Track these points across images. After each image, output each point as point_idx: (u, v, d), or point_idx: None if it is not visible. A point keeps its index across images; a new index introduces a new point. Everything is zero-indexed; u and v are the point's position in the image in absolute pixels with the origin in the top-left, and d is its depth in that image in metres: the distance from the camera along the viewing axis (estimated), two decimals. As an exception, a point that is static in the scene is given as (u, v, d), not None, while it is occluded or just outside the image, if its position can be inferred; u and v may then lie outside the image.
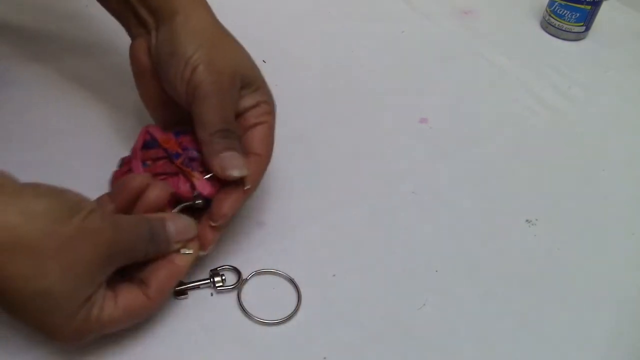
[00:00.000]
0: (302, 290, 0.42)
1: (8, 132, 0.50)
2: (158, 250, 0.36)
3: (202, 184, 0.40)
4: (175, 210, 0.39)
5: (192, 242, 0.38)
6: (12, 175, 0.32)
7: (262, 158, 0.41)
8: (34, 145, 0.49)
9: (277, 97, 0.44)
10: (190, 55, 0.39)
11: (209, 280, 0.41)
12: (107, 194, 0.38)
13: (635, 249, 0.48)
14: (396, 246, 0.46)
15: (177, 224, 0.37)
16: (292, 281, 0.43)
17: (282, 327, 0.41)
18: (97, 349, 0.37)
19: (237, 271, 0.42)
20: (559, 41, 0.69)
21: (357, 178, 0.51)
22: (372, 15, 0.70)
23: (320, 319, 0.41)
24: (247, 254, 0.44)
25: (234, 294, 0.42)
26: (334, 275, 0.44)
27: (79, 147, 0.50)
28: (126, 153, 0.50)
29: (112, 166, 0.48)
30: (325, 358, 0.39)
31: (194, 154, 0.40)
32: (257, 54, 0.43)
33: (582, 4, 0.66)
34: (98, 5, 0.47)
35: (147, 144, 0.42)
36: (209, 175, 0.40)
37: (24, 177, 0.47)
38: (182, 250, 0.37)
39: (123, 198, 0.37)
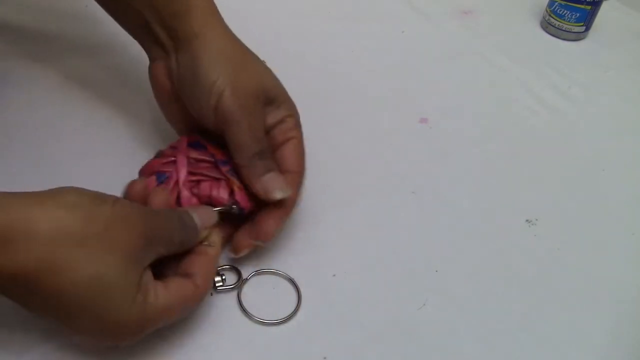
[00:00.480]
0: (302, 290, 0.42)
1: (8, 132, 0.50)
2: (188, 238, 0.37)
3: (243, 196, 0.41)
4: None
5: (214, 230, 0.39)
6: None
7: (297, 175, 0.43)
8: (35, 145, 0.49)
9: (277, 97, 0.43)
10: (214, 80, 0.40)
11: None
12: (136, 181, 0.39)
13: (635, 249, 0.48)
14: (396, 246, 0.46)
15: (199, 212, 0.38)
16: (292, 281, 0.43)
17: (282, 327, 0.41)
18: (97, 349, 0.37)
19: (237, 271, 0.42)
20: (559, 41, 0.69)
21: (357, 178, 0.51)
22: (372, 15, 0.70)
23: (320, 319, 0.41)
24: (247, 254, 0.44)
25: (234, 294, 0.42)
26: (334, 275, 0.44)
27: (79, 147, 0.50)
28: (127, 153, 0.50)
29: (114, 166, 0.48)
30: (325, 358, 0.39)
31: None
32: (257, 54, 0.44)
33: (582, 4, 0.66)
34: (98, 5, 0.47)
35: (190, 144, 0.43)
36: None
37: (25, 177, 0.47)
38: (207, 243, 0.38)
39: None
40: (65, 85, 0.55)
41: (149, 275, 0.34)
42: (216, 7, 0.43)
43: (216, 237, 0.38)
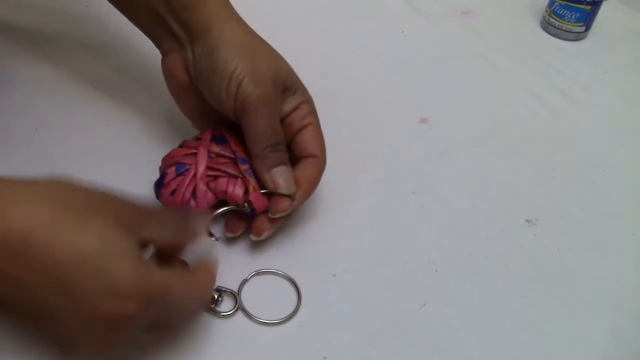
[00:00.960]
0: (302, 290, 0.42)
1: (8, 132, 0.50)
2: (186, 225, 0.36)
3: (257, 198, 0.41)
4: (222, 210, 0.42)
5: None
6: None
7: (319, 159, 0.43)
8: (35, 145, 0.49)
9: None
10: (232, 69, 0.40)
11: None
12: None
13: (635, 249, 0.48)
14: (396, 246, 0.46)
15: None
16: (292, 281, 0.43)
17: (282, 327, 0.41)
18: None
19: (234, 296, 0.42)
20: (559, 41, 0.69)
21: (357, 178, 0.51)
22: (372, 15, 0.70)
23: (320, 319, 0.41)
24: (247, 253, 0.44)
25: (234, 294, 0.42)
26: (334, 275, 0.44)
27: (79, 147, 0.50)
28: (128, 152, 0.50)
29: (114, 165, 0.48)
30: (325, 358, 0.39)
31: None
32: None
33: (582, 4, 0.66)
34: (98, 5, 0.47)
35: (214, 137, 0.43)
36: (265, 191, 0.42)
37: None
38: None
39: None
40: (65, 85, 0.55)
41: (143, 253, 0.33)
42: None
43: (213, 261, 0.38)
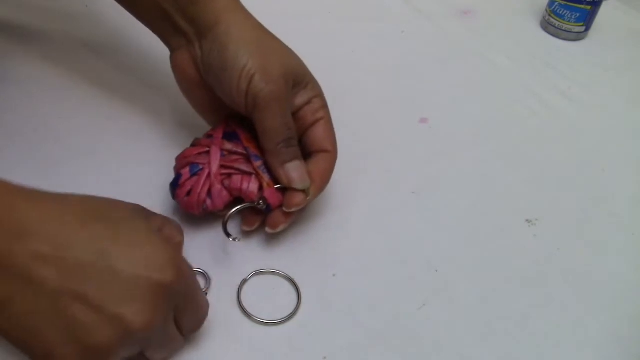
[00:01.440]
0: (302, 290, 0.42)
1: (8, 132, 0.50)
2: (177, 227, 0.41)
3: (272, 194, 0.42)
4: (238, 208, 0.42)
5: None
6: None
7: (331, 154, 0.44)
8: (35, 145, 0.49)
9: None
10: (243, 65, 0.40)
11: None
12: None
13: (635, 249, 0.48)
14: (396, 246, 0.46)
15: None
16: (292, 281, 0.43)
17: (282, 327, 0.41)
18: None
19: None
20: (559, 41, 0.69)
21: (357, 178, 0.51)
22: (372, 15, 0.70)
23: (320, 319, 0.41)
24: (247, 253, 0.44)
25: (234, 294, 0.42)
26: (334, 275, 0.44)
27: (80, 147, 0.50)
28: (128, 152, 0.50)
29: (114, 165, 0.48)
30: (325, 358, 0.39)
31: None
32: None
33: (582, 4, 0.66)
34: (98, 5, 0.47)
35: (226, 134, 0.43)
36: (279, 186, 0.42)
37: (25, 177, 0.47)
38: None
39: None
40: (65, 84, 0.55)
41: None
42: None
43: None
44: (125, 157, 0.49)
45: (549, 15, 0.69)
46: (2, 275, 0.29)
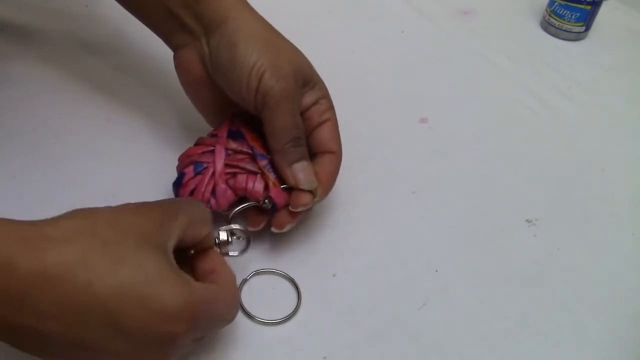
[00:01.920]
0: (302, 290, 0.42)
1: (8, 132, 0.50)
2: (202, 216, 0.36)
3: (277, 192, 0.41)
4: (243, 207, 0.42)
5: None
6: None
7: (336, 155, 0.43)
8: (35, 145, 0.49)
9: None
10: (253, 62, 0.39)
11: None
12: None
13: (635, 249, 0.48)
14: (396, 246, 0.46)
15: None
16: (292, 281, 0.43)
17: (282, 327, 0.41)
18: None
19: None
20: (559, 41, 0.69)
21: (357, 178, 0.51)
22: (372, 15, 0.70)
23: (320, 319, 0.41)
24: (247, 253, 0.44)
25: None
26: (334, 275, 0.44)
27: (80, 147, 0.50)
28: (128, 152, 0.50)
29: (114, 165, 0.48)
30: (325, 358, 0.39)
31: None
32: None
33: (582, 4, 0.66)
34: (99, 5, 0.47)
35: (230, 133, 0.43)
36: (285, 186, 0.41)
37: (25, 177, 0.47)
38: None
39: None
40: (65, 85, 0.55)
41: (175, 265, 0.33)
42: None
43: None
44: (125, 157, 0.49)
45: (549, 15, 0.69)
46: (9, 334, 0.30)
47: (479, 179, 0.53)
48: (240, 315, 0.41)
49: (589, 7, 0.66)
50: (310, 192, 0.41)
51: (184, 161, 0.43)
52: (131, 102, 0.54)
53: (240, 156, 0.42)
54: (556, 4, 0.68)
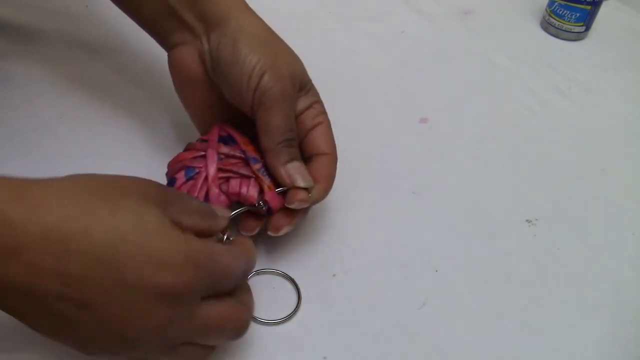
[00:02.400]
0: (302, 290, 0.42)
1: (8, 132, 0.50)
2: (209, 211, 0.35)
3: (273, 197, 0.41)
4: (239, 211, 0.41)
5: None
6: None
7: (331, 156, 0.43)
8: (35, 145, 0.49)
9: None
10: (255, 62, 0.40)
11: None
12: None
13: (635, 249, 0.48)
14: (396, 246, 0.46)
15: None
16: (292, 281, 0.43)
17: (282, 327, 0.41)
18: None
19: None
20: (559, 41, 0.69)
21: (357, 178, 0.51)
22: (372, 15, 0.70)
23: (320, 319, 0.41)
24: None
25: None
26: (334, 275, 0.44)
27: (80, 147, 0.50)
28: (128, 152, 0.50)
29: (114, 165, 0.48)
30: (325, 358, 0.39)
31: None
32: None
33: (582, 4, 0.66)
34: (98, 5, 0.47)
35: (221, 138, 0.43)
36: (279, 189, 0.41)
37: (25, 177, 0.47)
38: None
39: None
40: (65, 85, 0.55)
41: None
42: None
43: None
44: (126, 157, 0.50)
45: (549, 15, 0.69)
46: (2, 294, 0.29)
47: (479, 179, 0.53)
48: (240, 315, 0.41)
49: (589, 7, 0.66)
50: (306, 189, 0.41)
51: (175, 166, 0.42)
52: (131, 102, 0.54)
53: (232, 160, 0.41)
54: (556, 4, 0.68)
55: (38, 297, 0.28)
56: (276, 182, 0.41)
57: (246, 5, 0.43)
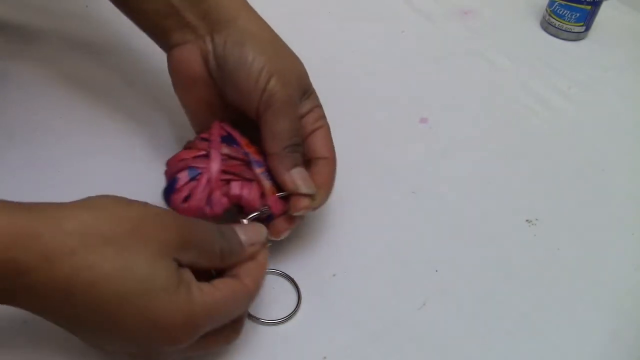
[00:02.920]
0: (302, 290, 0.42)
1: (8, 132, 0.50)
2: (231, 248, 0.36)
3: (275, 201, 0.40)
4: (250, 217, 0.40)
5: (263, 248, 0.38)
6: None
7: (331, 160, 0.43)
8: (35, 145, 0.49)
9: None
10: (263, 64, 0.40)
11: None
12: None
13: (635, 249, 0.48)
14: (396, 246, 0.46)
15: (246, 229, 0.38)
16: (292, 281, 0.43)
17: (282, 327, 0.41)
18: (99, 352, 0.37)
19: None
20: (559, 41, 0.69)
21: (357, 178, 0.51)
22: (372, 15, 0.70)
23: (320, 319, 0.41)
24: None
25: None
26: (334, 275, 0.44)
27: (80, 147, 0.50)
28: (128, 152, 0.50)
29: (115, 166, 0.48)
30: (325, 358, 0.39)
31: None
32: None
33: (582, 4, 0.66)
34: (99, 5, 0.47)
35: (222, 138, 0.42)
36: (281, 194, 0.40)
37: (25, 177, 0.47)
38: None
39: None
40: (65, 85, 0.55)
41: (189, 273, 0.33)
42: None
43: (263, 255, 0.38)
44: (126, 157, 0.49)
45: (549, 15, 0.69)
46: None
47: (479, 179, 0.53)
48: (240, 315, 0.41)
49: (589, 7, 0.66)
50: (308, 196, 0.41)
51: (176, 165, 0.41)
52: (131, 102, 0.54)
53: (234, 162, 0.41)
54: (556, 4, 0.68)
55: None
56: (277, 186, 0.41)
57: (250, 6, 0.43)
